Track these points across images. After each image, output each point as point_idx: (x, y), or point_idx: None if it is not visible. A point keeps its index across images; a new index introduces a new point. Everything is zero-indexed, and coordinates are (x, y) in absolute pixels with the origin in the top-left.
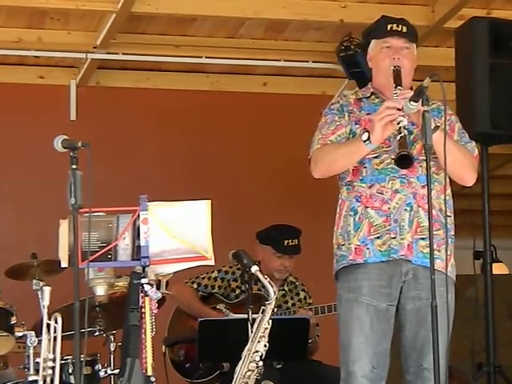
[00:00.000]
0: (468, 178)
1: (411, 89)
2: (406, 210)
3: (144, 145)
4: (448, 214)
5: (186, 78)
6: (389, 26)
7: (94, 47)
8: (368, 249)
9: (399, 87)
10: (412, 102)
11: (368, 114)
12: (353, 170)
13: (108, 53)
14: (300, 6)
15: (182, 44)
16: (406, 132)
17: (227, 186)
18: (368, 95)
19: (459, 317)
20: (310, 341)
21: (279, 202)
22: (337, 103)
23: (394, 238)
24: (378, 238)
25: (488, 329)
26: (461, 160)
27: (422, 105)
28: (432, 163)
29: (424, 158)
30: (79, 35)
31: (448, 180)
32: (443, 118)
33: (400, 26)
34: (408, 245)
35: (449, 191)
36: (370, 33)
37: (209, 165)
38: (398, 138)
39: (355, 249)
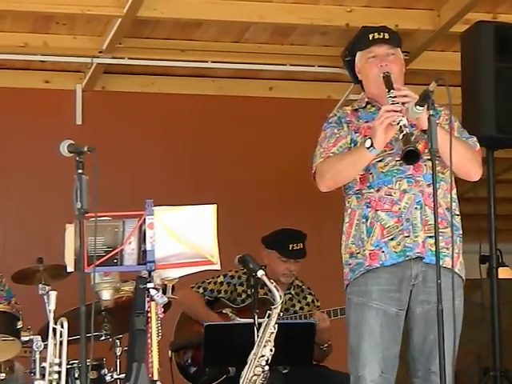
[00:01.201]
0: (474, 172)
1: None
2: (416, 208)
3: (150, 149)
4: (456, 212)
5: (191, 83)
6: (370, 36)
7: (100, 52)
8: (383, 252)
9: (392, 90)
10: (418, 107)
11: (366, 122)
12: (360, 178)
13: (114, 57)
14: (306, 10)
15: (188, 48)
16: (407, 129)
17: (233, 190)
18: (364, 105)
19: (465, 321)
20: (325, 345)
21: (285, 207)
22: (334, 116)
23: (408, 236)
24: (392, 239)
25: (494, 333)
26: (464, 155)
27: (428, 109)
28: (437, 162)
29: (428, 156)
30: (85, 40)
31: (453, 179)
32: (441, 118)
33: (381, 33)
34: (422, 242)
35: (455, 190)
36: (354, 46)
37: (215, 169)
38: (401, 136)
39: (370, 254)
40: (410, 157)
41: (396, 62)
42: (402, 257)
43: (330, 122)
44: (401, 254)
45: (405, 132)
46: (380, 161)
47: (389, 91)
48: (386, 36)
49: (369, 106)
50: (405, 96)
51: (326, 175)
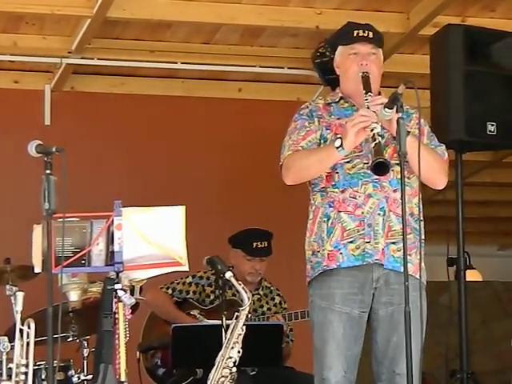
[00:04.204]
0: (439, 181)
1: (379, 94)
2: (379, 214)
3: (118, 150)
4: (420, 218)
5: (160, 84)
6: (355, 32)
7: (69, 52)
8: (341, 253)
9: (369, 93)
10: (386, 109)
11: (338, 119)
12: (326, 175)
13: (83, 58)
14: (276, 12)
15: (157, 49)
16: (380, 139)
17: (202, 191)
18: (337, 100)
19: (433, 323)
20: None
21: (254, 208)
22: (306, 108)
23: (369, 242)
24: (351, 242)
25: (461, 335)
26: (432, 164)
27: (397, 112)
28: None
29: (396, 162)
30: (54, 40)
31: (419, 184)
32: (412, 122)
33: (366, 31)
34: (382, 249)
35: (420, 196)
36: (337, 39)
37: (183, 170)
38: (373, 144)
39: (328, 254)
40: (380, 168)
41: (376, 63)
42: (359, 261)
43: (302, 113)
44: (359, 258)
45: (377, 141)
46: (348, 162)
47: (366, 93)
48: (371, 35)
49: (342, 102)
50: (379, 104)
51: (292, 169)
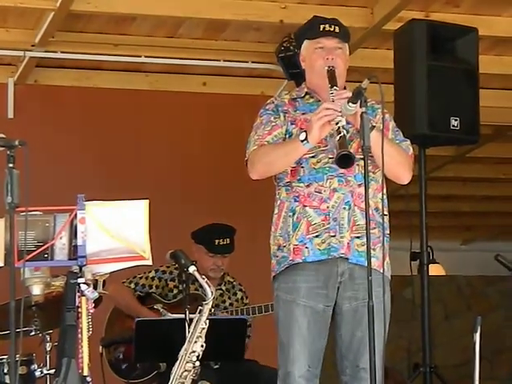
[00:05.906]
0: (404, 176)
1: (345, 88)
2: (344, 208)
3: (82, 144)
4: (385, 212)
5: (124, 77)
6: (321, 27)
7: (33, 45)
8: (307, 248)
9: (335, 87)
10: (350, 104)
11: (303, 114)
12: (291, 170)
13: (46, 51)
14: (240, 6)
15: (121, 43)
16: (345, 132)
17: (165, 185)
18: (302, 95)
19: (396, 318)
20: None
21: (217, 202)
22: (271, 103)
23: (334, 236)
24: (316, 236)
25: (424, 329)
26: (396, 159)
27: (361, 106)
28: (368, 162)
29: (361, 156)
30: (17, 33)
31: (384, 179)
32: (378, 116)
33: (332, 26)
34: (347, 243)
35: (384, 191)
36: (303, 33)
37: (147, 164)
38: (338, 137)
39: (294, 249)
40: (344, 160)
41: (342, 57)
42: (325, 255)
43: (267, 108)
44: (324, 252)
45: (342, 134)
46: (313, 156)
47: (331, 87)
48: (337, 29)
49: (307, 97)
50: (345, 98)
51: (257, 164)
